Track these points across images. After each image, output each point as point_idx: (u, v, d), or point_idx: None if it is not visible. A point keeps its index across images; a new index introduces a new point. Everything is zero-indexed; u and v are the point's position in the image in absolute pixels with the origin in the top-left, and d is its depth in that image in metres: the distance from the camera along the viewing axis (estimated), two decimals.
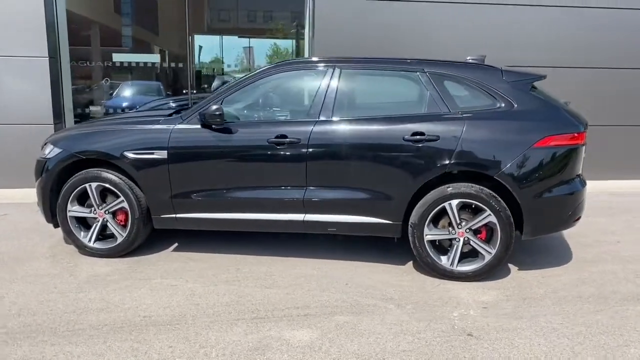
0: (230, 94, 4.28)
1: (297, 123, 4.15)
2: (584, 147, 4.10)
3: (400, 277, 4.17)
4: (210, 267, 4.29)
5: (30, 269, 4.20)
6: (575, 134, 3.99)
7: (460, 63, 4.27)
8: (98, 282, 3.97)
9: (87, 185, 4.33)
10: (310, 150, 4.06)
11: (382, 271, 4.27)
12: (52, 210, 4.47)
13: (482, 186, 3.97)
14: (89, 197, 4.40)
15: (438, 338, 3.23)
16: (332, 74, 4.21)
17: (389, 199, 4.05)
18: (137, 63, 8.94)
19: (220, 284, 3.96)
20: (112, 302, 3.63)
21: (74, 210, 4.41)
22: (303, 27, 9.84)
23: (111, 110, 8.65)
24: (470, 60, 4.49)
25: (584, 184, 4.15)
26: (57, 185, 4.43)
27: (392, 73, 4.28)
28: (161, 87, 10.25)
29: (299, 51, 10.65)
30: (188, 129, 4.23)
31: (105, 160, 4.34)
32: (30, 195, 6.28)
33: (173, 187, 4.25)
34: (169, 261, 4.41)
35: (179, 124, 4.27)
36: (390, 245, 4.70)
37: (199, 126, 4.21)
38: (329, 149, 4.07)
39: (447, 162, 3.93)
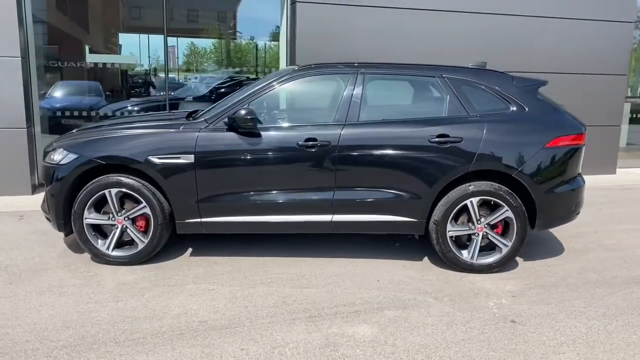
0: (256, 98, 4.32)
1: (326, 126, 4.26)
2: (584, 147, 4.50)
3: (422, 272, 4.38)
4: (236, 270, 4.30)
5: (50, 280, 4.02)
6: (578, 135, 4.38)
7: (474, 69, 4.55)
8: (130, 290, 3.88)
9: (106, 191, 4.21)
10: (340, 152, 4.18)
11: (404, 267, 4.47)
12: (64, 218, 4.30)
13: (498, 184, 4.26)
14: (105, 204, 4.28)
15: (487, 326, 3.47)
16: (357, 78, 4.35)
17: (416, 198, 4.25)
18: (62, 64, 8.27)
19: (257, 286, 4.00)
20: (157, 310, 3.58)
21: (91, 217, 4.26)
22: (235, 28, 9.80)
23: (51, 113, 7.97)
24: (471, 67, 4.77)
25: (583, 181, 4.56)
26: (70, 192, 4.26)
27: (413, 78, 4.50)
28: (100, 87, 9.85)
29: (229, 51, 10.44)
30: (215, 132, 4.23)
31: (122, 166, 4.24)
32: (4, 203, 5.97)
33: (200, 192, 4.22)
34: (192, 266, 4.37)
35: (204, 127, 4.25)
36: (401, 242, 4.92)
37: (225, 130, 4.22)
38: (357, 151, 4.21)
39: (470, 162, 4.19)
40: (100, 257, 4.32)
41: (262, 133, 4.21)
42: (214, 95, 8.32)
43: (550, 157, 4.28)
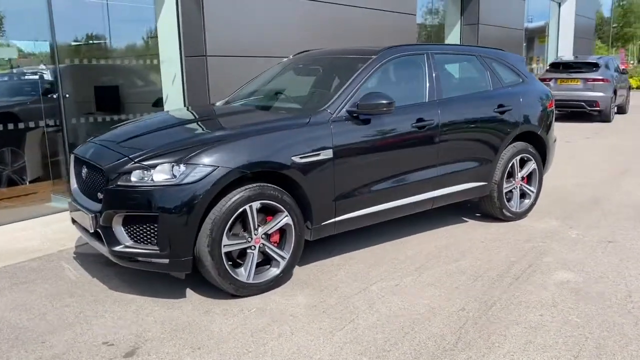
0: (361, 85, 4.07)
1: (425, 105, 4.37)
2: None
3: (490, 228, 4.94)
4: (374, 265, 4.06)
5: (266, 325, 3.14)
6: (553, 99, 5.60)
7: (493, 49, 5.27)
8: (349, 305, 3.38)
9: (247, 206, 3.43)
10: (441, 129, 4.39)
11: (474, 228, 4.96)
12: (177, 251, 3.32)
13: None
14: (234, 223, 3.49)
15: (607, 249, 4.37)
16: (429, 58, 4.56)
17: (488, 162, 4.79)
18: None
19: (425, 271, 3.94)
20: (413, 309, 3.29)
21: (229, 243, 3.42)
22: None
23: None
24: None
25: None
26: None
27: (461, 57, 4.97)
28: None
29: None
30: (342, 122, 3.88)
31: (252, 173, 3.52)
32: None
33: (336, 189, 3.84)
34: (326, 273, 3.95)
35: (330, 119, 3.85)
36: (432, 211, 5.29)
37: (345, 119, 3.91)
38: (453, 127, 4.48)
39: (518, 126, 4.95)
40: (240, 290, 3.50)
41: (380, 118, 4.06)
42: None
43: (550, 117, 5.38)
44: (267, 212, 3.59)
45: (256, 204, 3.46)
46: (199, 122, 4.24)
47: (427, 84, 4.48)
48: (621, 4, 48.41)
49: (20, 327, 3.19)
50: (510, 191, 5.12)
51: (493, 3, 13.64)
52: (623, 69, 16.52)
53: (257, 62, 6.70)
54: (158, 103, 7.07)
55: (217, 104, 5.02)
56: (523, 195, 5.25)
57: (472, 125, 4.65)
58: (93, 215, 3.47)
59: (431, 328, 3.10)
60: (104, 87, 6.80)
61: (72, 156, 4.06)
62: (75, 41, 6.43)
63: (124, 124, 4.51)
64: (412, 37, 10.48)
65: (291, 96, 4.64)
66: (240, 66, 6.66)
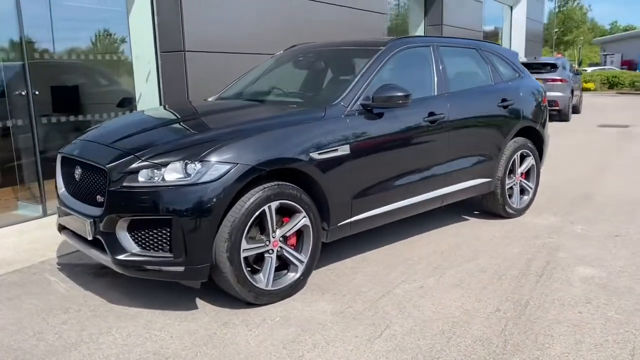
0: (375, 76, 3.88)
1: (436, 98, 4.21)
2: None
3: (496, 225, 4.83)
4: (388, 267, 3.88)
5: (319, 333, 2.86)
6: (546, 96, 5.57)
7: (491, 43, 5.17)
8: (382, 307, 3.15)
9: (266, 207, 3.16)
10: (451, 123, 4.24)
11: (483, 225, 4.84)
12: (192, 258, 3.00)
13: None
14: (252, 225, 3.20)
15: (618, 242, 4.33)
16: (434, 50, 4.41)
17: (493, 158, 4.68)
18: None
19: (448, 270, 3.78)
20: (469, 310, 3.10)
21: (249, 247, 3.14)
22: None
23: None
24: None
25: None
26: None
27: (463, 50, 4.81)
28: None
29: None
30: (357, 116, 3.66)
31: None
32: None
33: (354, 186, 3.62)
34: (342, 276, 3.71)
35: (346, 112, 3.63)
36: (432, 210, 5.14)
37: (358, 112, 3.68)
38: (461, 121, 4.34)
39: (519, 121, 4.87)
40: (259, 298, 3.22)
41: (393, 111, 3.86)
42: None
43: (544, 111, 5.33)
44: (284, 213, 3.33)
45: (275, 204, 3.19)
46: (202, 118, 3.91)
47: (435, 77, 4.32)
48: (561, 10, 50.49)
49: (15, 349, 2.80)
50: (511, 187, 5.03)
51: (454, 4, 13.77)
52: (577, 71, 17.05)
53: (238, 58, 6.40)
54: (123, 103, 6.64)
55: (209, 99, 4.70)
56: (522, 191, 5.18)
57: (479, 120, 4.54)
58: (92, 220, 3.10)
59: (473, 331, 2.92)
60: (74, 85, 6.31)
61: (59, 156, 3.66)
62: (44, 35, 5.91)
63: (106, 123, 4.16)
64: (380, 33, 10.36)
65: (296, 90, 4.40)
66: (221, 62, 6.34)
